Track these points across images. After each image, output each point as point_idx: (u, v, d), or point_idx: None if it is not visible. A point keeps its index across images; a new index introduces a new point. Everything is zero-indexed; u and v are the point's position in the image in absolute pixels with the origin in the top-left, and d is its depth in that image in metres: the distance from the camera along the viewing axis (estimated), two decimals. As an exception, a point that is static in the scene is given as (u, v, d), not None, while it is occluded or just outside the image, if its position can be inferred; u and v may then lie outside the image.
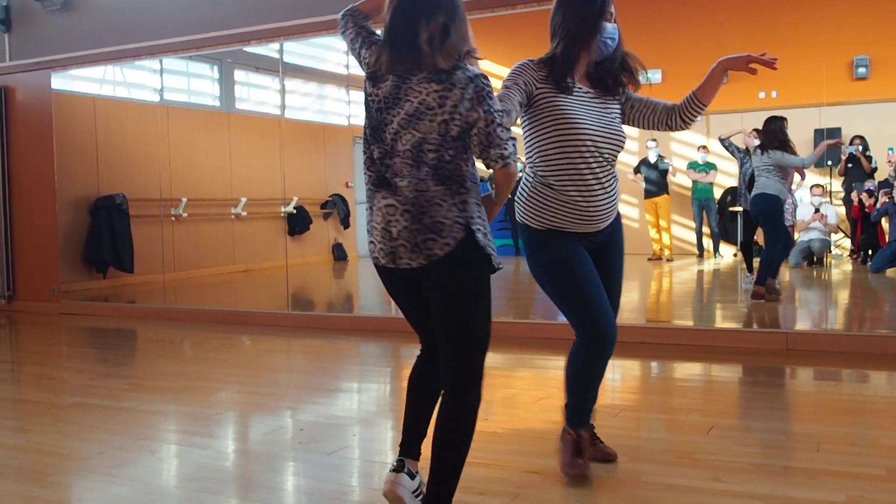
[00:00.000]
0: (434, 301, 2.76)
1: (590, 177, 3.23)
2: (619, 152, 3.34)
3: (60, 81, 9.68)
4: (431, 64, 2.66)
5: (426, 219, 2.67)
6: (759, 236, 8.41)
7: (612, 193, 3.33)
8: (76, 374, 6.04)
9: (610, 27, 3.22)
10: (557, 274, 3.29)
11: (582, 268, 3.26)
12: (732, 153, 8.78)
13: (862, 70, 9.74)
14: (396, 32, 2.72)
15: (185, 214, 10.79)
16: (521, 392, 5.12)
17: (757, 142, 8.10)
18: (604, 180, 3.27)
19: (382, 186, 2.76)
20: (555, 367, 6.05)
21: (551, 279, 3.32)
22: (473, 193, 2.77)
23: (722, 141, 8.75)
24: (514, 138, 2.74)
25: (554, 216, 3.27)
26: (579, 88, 3.26)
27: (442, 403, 2.78)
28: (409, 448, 3.03)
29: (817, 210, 9.40)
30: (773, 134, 7.76)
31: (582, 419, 3.47)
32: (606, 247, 3.41)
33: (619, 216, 3.47)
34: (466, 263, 2.72)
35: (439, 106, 2.66)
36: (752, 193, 7.85)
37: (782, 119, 7.81)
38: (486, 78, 2.69)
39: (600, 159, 3.25)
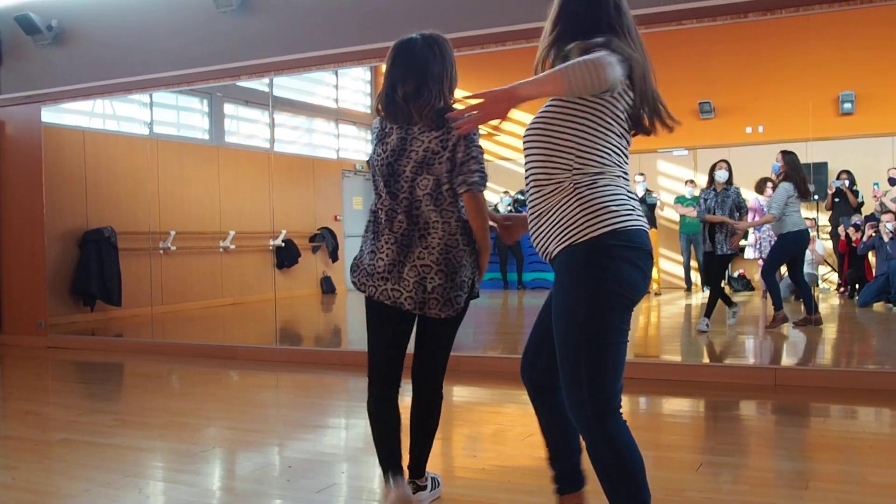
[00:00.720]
0: (433, 336, 3.39)
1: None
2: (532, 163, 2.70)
3: (50, 114, 9.69)
4: (415, 118, 3.20)
5: (457, 279, 3.22)
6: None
7: (539, 217, 2.69)
8: (63, 410, 6.00)
9: None
10: None
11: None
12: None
13: (847, 105, 9.84)
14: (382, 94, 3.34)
15: (173, 248, 10.77)
16: (508, 428, 5.11)
17: (725, 174, 8.16)
18: (531, 198, 2.72)
19: (412, 244, 3.21)
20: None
21: None
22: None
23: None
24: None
25: None
26: None
27: (421, 404, 3.50)
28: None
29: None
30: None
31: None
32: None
33: (565, 258, 2.60)
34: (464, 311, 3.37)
35: (443, 149, 3.17)
36: (796, 229, 7.85)
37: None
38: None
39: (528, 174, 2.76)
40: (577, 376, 2.56)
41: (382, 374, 3.37)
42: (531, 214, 2.70)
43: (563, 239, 2.56)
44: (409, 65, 3.21)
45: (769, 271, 8.14)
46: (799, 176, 7.78)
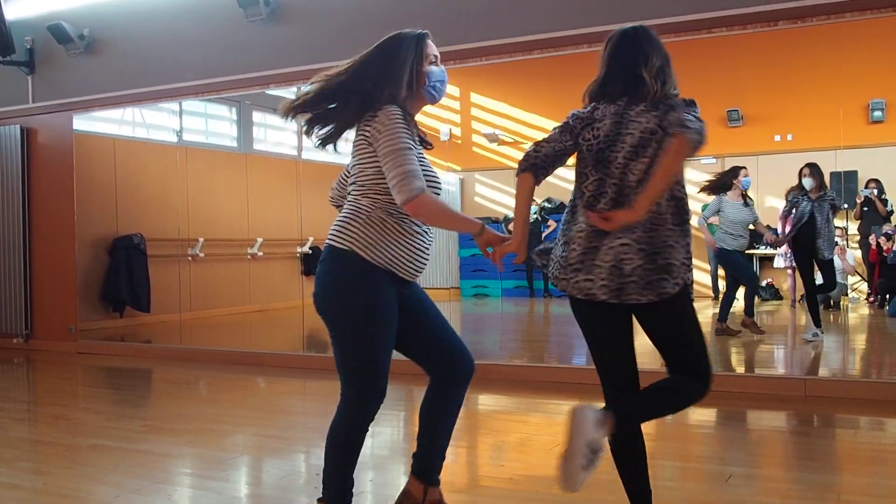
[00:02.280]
0: (665, 333, 2.96)
1: None
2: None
3: (81, 122, 9.78)
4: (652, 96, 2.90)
5: (660, 259, 2.83)
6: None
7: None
8: (93, 416, 6.05)
9: (437, 70, 3.21)
10: None
11: None
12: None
13: (878, 113, 9.75)
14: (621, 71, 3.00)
15: (201, 255, 10.84)
16: (534, 437, 5.10)
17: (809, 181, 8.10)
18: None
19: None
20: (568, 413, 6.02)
21: None
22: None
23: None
24: None
25: None
26: None
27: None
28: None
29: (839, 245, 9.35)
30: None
31: None
32: None
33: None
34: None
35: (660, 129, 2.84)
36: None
37: None
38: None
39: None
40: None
41: (622, 389, 3.00)
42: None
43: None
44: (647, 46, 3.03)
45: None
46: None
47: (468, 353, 3.35)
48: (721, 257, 8.65)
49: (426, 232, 3.16)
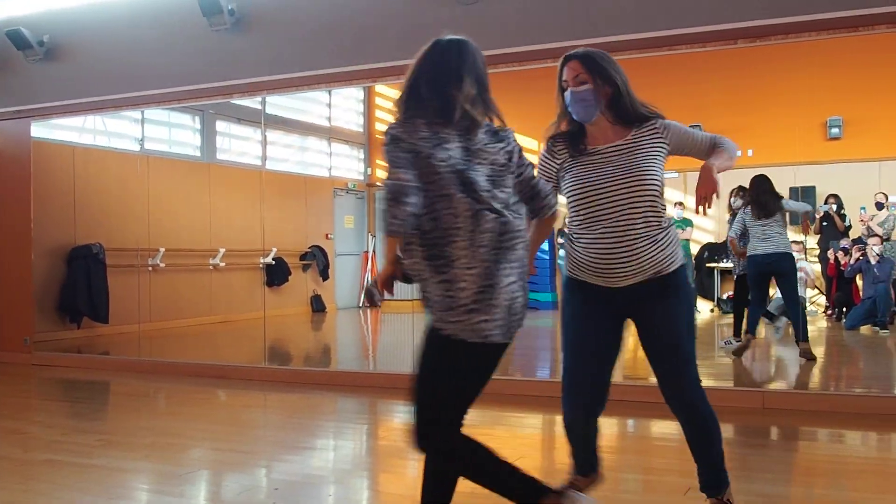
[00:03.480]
0: None
1: (601, 230, 3.23)
2: (639, 198, 3.18)
3: (40, 129, 9.67)
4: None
5: None
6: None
7: (633, 247, 3.18)
8: (47, 430, 5.96)
9: (567, 96, 3.27)
10: (563, 323, 3.42)
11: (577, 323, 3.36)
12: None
13: (835, 130, 9.91)
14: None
15: (162, 265, 10.75)
16: (498, 450, 5.08)
17: (740, 201, 8.18)
18: (619, 232, 3.19)
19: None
20: (531, 427, 6.04)
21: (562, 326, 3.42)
22: None
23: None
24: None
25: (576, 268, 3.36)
26: (594, 149, 3.29)
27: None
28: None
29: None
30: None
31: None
32: (648, 307, 3.27)
33: (673, 276, 3.25)
34: None
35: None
36: (772, 251, 7.84)
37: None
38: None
39: (612, 210, 3.20)
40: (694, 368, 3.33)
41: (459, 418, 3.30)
42: (636, 240, 3.17)
43: (676, 262, 3.26)
44: None
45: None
46: (757, 197, 7.85)
47: None
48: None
49: None
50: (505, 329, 2.86)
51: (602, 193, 3.20)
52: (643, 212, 3.17)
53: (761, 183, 7.80)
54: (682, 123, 3.31)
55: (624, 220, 3.16)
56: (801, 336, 7.74)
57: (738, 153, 3.16)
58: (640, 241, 3.16)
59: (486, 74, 3.01)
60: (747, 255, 7.87)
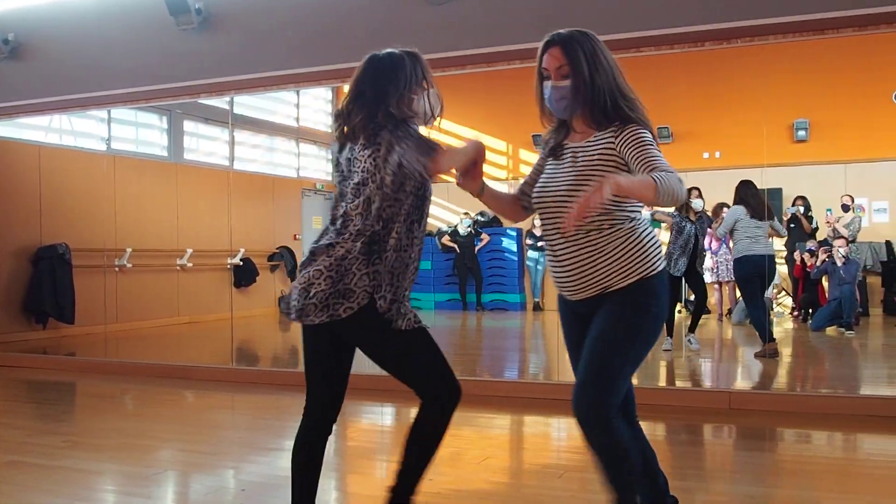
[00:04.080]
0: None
1: (552, 239, 3.00)
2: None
3: (5, 129, 9.57)
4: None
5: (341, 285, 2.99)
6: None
7: (577, 259, 2.91)
8: (12, 431, 5.88)
9: (546, 90, 2.99)
10: None
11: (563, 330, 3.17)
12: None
13: (802, 133, 10.03)
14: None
15: (129, 265, 10.66)
16: (465, 451, 5.09)
17: (700, 202, 8.27)
18: (567, 243, 2.93)
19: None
20: (499, 427, 6.04)
21: None
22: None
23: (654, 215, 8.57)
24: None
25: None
26: (564, 149, 3.05)
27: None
28: None
29: None
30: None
31: None
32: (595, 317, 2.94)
33: (627, 292, 2.87)
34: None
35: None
36: (748, 254, 7.92)
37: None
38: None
39: (559, 219, 2.92)
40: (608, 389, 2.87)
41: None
42: (580, 250, 2.89)
43: (632, 274, 2.85)
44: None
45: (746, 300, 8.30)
46: (750, 199, 7.92)
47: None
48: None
49: None
50: None
51: (551, 199, 2.97)
52: (589, 222, 2.83)
53: (752, 186, 7.94)
54: (648, 139, 2.89)
55: (572, 231, 2.87)
56: (770, 337, 7.85)
57: (679, 196, 2.70)
58: (583, 253, 2.89)
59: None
60: (741, 255, 7.95)
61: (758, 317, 8.07)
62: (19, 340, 9.68)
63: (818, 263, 9.57)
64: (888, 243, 10.38)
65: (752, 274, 7.93)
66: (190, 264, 11.95)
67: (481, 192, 3.11)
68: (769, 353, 7.81)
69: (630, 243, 2.87)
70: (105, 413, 6.71)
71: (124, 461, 4.89)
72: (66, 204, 10.42)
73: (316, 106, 15.40)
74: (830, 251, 9.41)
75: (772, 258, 7.94)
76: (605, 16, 6.35)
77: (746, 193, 7.95)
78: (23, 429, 5.95)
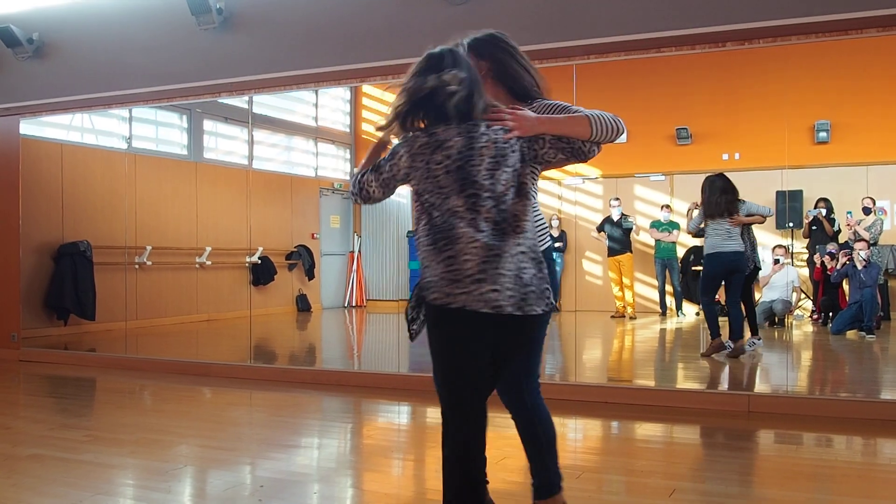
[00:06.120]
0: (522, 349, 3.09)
1: None
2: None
3: (28, 127, 9.63)
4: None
5: (545, 269, 2.95)
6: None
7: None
8: (34, 425, 5.94)
9: None
10: None
11: None
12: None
13: (823, 134, 9.96)
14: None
15: (149, 263, 10.72)
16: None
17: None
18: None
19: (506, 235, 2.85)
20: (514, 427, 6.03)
21: None
22: None
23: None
24: None
25: None
26: None
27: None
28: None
29: (777, 262, 9.51)
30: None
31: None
32: None
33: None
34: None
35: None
36: (714, 251, 7.92)
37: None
38: None
39: None
40: None
41: (467, 410, 3.05)
42: None
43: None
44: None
45: (700, 294, 8.24)
46: (704, 198, 7.92)
47: None
48: None
49: None
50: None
51: None
52: None
53: (710, 183, 7.93)
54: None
55: None
56: (739, 334, 7.89)
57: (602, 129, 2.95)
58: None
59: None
60: (708, 252, 7.95)
61: (735, 315, 8.03)
62: (41, 336, 9.74)
63: (838, 267, 9.51)
64: (910, 246, 10.30)
65: (719, 271, 7.93)
66: (209, 262, 11.99)
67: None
68: (738, 351, 7.93)
69: None
70: (125, 408, 6.76)
71: (144, 456, 4.93)
72: (87, 201, 10.49)
73: (334, 106, 15.43)
74: (851, 254, 9.35)
75: (740, 254, 7.88)
76: (626, 16, 6.34)
77: (703, 191, 7.96)
78: (44, 423, 6.00)
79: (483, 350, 2.89)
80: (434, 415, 6.18)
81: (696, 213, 8.08)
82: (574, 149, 2.99)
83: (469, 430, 3.06)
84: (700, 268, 8.91)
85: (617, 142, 3.13)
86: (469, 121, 2.88)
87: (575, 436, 5.54)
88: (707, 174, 8.15)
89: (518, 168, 2.91)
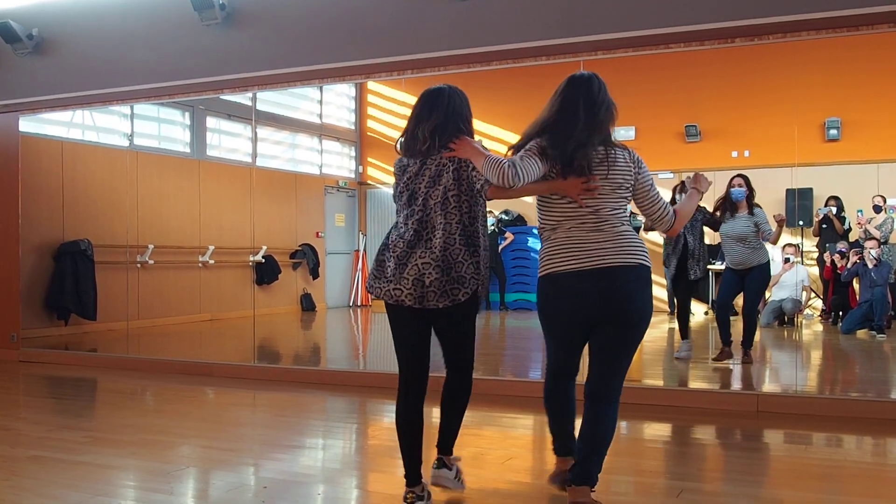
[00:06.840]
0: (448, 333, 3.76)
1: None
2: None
3: (28, 124, 9.57)
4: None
5: (453, 273, 3.54)
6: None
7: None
8: (34, 426, 5.87)
9: None
10: None
11: None
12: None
13: (833, 132, 9.88)
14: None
15: (151, 262, 10.65)
16: (488, 451, 5.02)
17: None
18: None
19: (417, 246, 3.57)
20: (522, 427, 5.97)
21: None
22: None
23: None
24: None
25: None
26: None
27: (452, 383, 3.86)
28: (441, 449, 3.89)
29: (787, 260, 9.41)
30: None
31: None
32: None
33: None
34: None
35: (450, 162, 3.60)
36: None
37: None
38: None
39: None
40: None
41: (412, 376, 3.73)
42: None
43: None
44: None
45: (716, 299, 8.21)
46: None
47: None
48: None
49: None
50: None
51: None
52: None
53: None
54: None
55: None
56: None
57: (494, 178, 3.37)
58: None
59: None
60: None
61: (721, 316, 7.95)
62: (41, 336, 9.68)
63: (849, 265, 9.42)
64: (922, 245, 10.21)
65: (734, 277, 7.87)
66: (212, 261, 11.93)
67: None
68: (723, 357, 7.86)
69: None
70: (126, 409, 6.69)
71: (145, 457, 4.86)
72: (88, 199, 10.42)
73: (339, 103, 15.35)
74: (861, 253, 9.27)
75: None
76: (634, 12, 6.26)
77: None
78: (44, 424, 5.94)
79: (406, 331, 3.73)
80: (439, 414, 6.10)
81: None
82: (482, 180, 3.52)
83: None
84: (709, 266, 8.82)
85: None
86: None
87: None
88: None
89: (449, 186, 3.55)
